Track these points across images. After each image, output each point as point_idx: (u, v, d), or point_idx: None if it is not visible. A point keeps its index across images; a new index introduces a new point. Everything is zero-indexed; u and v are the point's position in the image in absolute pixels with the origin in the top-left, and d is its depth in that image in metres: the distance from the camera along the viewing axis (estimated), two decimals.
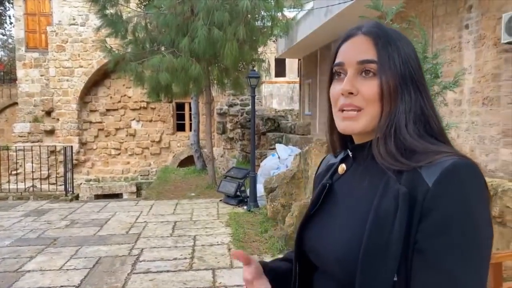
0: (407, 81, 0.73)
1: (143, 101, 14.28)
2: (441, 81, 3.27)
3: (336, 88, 0.77)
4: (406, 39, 0.78)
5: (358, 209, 0.73)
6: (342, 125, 0.76)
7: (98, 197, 12.96)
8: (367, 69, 0.73)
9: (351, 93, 0.73)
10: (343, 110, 0.75)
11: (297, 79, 15.73)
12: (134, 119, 14.81)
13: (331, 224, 0.79)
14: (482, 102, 5.49)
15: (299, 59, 14.77)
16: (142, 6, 9.16)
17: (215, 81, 8.77)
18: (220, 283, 3.74)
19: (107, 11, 7.72)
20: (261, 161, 7.88)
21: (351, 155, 0.83)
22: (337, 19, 8.36)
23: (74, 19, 13.44)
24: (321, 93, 11.96)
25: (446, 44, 5.98)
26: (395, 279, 0.63)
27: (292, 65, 17.74)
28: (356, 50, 0.75)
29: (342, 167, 0.84)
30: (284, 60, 17.02)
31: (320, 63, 11.99)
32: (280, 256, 3.91)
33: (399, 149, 0.70)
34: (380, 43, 0.74)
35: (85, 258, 4.45)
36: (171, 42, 7.31)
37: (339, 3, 7.73)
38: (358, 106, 0.73)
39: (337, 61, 0.77)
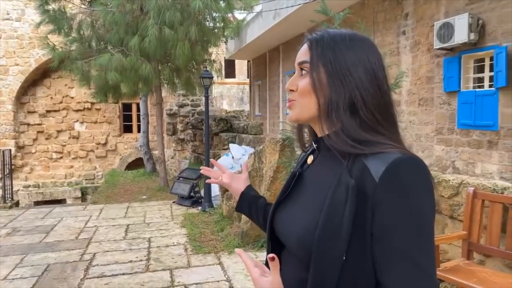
0: (339, 75, 0.82)
1: (87, 101, 13.64)
2: None
3: None
4: (351, 42, 0.85)
5: (318, 196, 0.83)
6: (287, 116, 0.94)
7: (38, 203, 12.13)
8: (303, 68, 0.88)
9: (292, 90, 0.90)
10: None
11: (247, 80, 15.92)
12: (77, 121, 14.08)
13: (296, 208, 0.89)
14: (418, 102, 5.99)
15: (248, 61, 14.96)
16: (87, 3, 8.76)
17: (165, 81, 8.64)
18: (179, 282, 3.74)
19: (49, 7, 7.31)
20: None
21: (315, 147, 0.94)
22: (285, 22, 8.62)
23: (8, 14, 12.49)
24: (270, 95, 12.23)
25: (386, 48, 6.44)
26: (344, 258, 0.73)
27: (241, 66, 17.90)
28: (298, 55, 0.91)
29: (310, 158, 0.96)
30: (233, 61, 17.14)
31: (269, 65, 12.25)
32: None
33: (346, 135, 0.80)
34: (314, 45, 0.87)
35: (31, 266, 4.21)
36: (120, 41, 7.10)
37: (287, 7, 7.99)
38: (292, 99, 0.90)
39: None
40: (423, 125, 5.89)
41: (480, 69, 5.01)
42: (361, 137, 0.79)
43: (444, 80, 5.32)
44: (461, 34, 4.74)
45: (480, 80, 5.00)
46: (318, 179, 0.88)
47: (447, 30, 4.93)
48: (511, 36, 4.42)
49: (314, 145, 0.95)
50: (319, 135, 0.91)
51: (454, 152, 5.28)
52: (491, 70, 4.74)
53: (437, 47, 5.15)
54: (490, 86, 4.75)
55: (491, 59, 4.68)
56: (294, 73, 0.94)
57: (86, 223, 5.98)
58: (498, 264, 2.70)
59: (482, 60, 4.93)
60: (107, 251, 4.66)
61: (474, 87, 5.03)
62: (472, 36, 4.70)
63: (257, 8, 9.86)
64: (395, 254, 0.71)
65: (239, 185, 1.20)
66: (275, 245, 0.95)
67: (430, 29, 5.52)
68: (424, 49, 5.77)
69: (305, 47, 0.89)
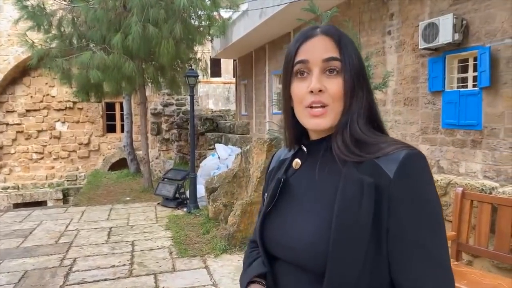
0: (360, 79, 0.79)
1: (69, 100, 13.32)
2: (372, 81, 3.53)
3: (302, 86, 0.79)
4: (353, 41, 0.84)
5: (321, 198, 0.77)
6: (312, 123, 0.79)
7: (17, 206, 11.81)
8: (332, 68, 0.77)
9: (321, 91, 0.76)
10: (311, 107, 0.78)
11: (233, 80, 15.82)
12: (58, 120, 13.72)
13: (292, 215, 0.81)
14: (403, 102, 6.01)
15: (234, 60, 14.86)
16: None
17: (149, 80, 8.47)
18: (164, 287, 3.63)
19: (28, 2, 7.06)
20: (201, 161, 7.80)
21: (305, 150, 0.87)
22: (271, 21, 8.57)
23: None
24: (257, 94, 12.17)
25: (372, 48, 6.45)
26: (364, 256, 0.68)
27: (227, 65, 17.79)
28: (320, 49, 0.78)
29: (297, 162, 0.87)
30: (219, 60, 17.00)
31: (255, 64, 12.19)
32: (224, 255, 3.87)
33: (353, 142, 0.76)
34: (341, 42, 0.79)
35: (8, 272, 4.03)
36: (102, 38, 6.92)
37: (273, 6, 7.94)
38: (325, 103, 0.77)
39: (300, 58, 0.79)
40: (408, 125, 5.92)
41: (464, 69, 5.06)
42: (374, 141, 0.77)
43: (429, 80, 5.35)
44: (446, 34, 4.76)
45: (464, 80, 5.04)
46: (315, 182, 0.81)
47: (431, 30, 4.95)
48: (494, 36, 4.46)
49: (304, 148, 0.87)
50: (314, 138, 0.84)
51: (439, 152, 5.31)
52: (475, 70, 4.79)
53: (422, 47, 5.17)
54: (474, 86, 4.80)
55: (475, 59, 4.73)
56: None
57: (66, 227, 5.80)
58: (486, 264, 2.70)
59: (466, 60, 4.97)
60: (89, 255, 4.51)
61: (458, 87, 5.08)
62: (456, 36, 4.73)
63: (243, 7, 9.77)
64: (412, 249, 0.69)
65: None
66: (265, 258, 0.86)
67: (415, 29, 5.55)
68: (409, 49, 5.80)
69: (328, 42, 0.78)
